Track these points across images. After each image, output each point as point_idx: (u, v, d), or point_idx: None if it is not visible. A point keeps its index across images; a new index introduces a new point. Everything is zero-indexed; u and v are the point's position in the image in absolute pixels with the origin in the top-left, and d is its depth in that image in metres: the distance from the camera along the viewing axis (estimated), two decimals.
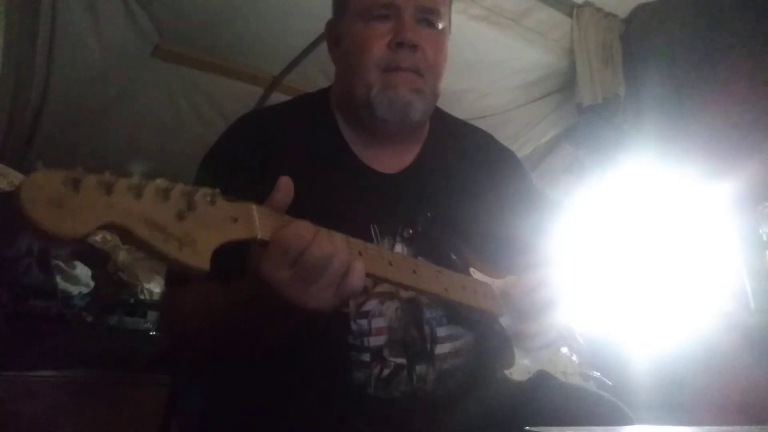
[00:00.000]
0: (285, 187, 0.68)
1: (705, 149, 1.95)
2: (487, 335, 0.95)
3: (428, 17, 0.99)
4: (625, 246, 2.16)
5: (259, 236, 0.63)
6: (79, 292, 1.73)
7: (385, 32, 0.95)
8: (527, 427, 0.62)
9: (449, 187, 1.01)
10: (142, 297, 2.10)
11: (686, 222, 2.00)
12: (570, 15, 2.23)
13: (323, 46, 2.09)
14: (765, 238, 1.80)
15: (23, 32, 2.00)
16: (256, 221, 0.63)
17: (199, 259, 0.58)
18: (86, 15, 2.03)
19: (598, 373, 1.09)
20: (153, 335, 1.91)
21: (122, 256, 2.12)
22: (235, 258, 0.67)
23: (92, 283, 1.80)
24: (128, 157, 2.74)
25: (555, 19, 2.23)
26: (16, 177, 1.95)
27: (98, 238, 2.05)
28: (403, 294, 0.91)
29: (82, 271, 1.77)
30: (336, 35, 1.04)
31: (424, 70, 0.96)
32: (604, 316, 2.10)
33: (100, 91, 2.37)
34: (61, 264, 1.70)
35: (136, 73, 2.32)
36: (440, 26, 1.00)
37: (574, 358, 1.06)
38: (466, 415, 0.89)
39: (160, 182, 0.57)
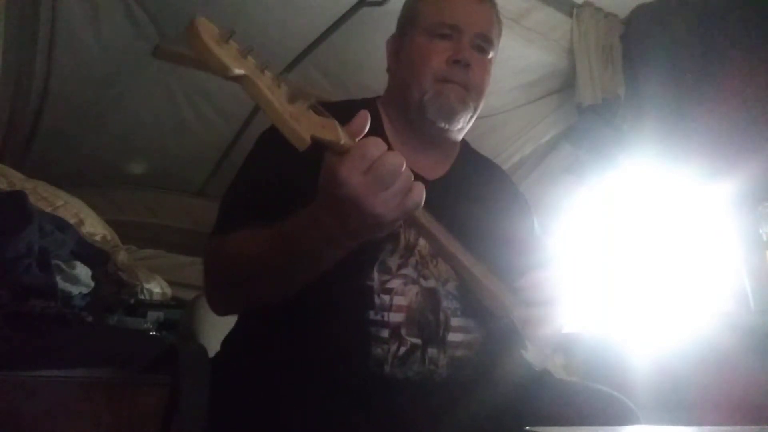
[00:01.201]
0: (363, 117, 0.77)
1: (705, 149, 1.95)
2: (497, 335, 1.02)
3: (482, 44, 1.15)
4: (625, 246, 2.16)
5: (342, 141, 0.73)
6: (79, 292, 1.73)
7: (444, 49, 1.12)
8: (528, 427, 0.64)
9: (470, 205, 1.13)
10: (142, 297, 2.10)
11: (686, 222, 2.00)
12: (570, 15, 2.23)
13: (323, 46, 2.11)
14: (765, 238, 1.80)
15: (23, 32, 2.00)
16: (340, 131, 0.73)
17: (303, 132, 0.69)
18: (86, 15, 2.03)
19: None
20: (153, 335, 1.91)
21: (122, 256, 2.11)
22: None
23: (92, 283, 1.80)
24: (128, 156, 2.74)
25: (555, 19, 2.22)
26: (16, 177, 1.94)
27: (98, 238, 2.05)
28: (424, 283, 1.02)
29: (82, 271, 1.76)
30: (397, 48, 1.19)
31: (471, 87, 1.12)
32: (604, 316, 2.10)
33: (100, 91, 2.37)
34: (61, 264, 1.70)
35: (136, 73, 2.32)
36: (490, 55, 1.17)
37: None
38: (475, 406, 0.95)
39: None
